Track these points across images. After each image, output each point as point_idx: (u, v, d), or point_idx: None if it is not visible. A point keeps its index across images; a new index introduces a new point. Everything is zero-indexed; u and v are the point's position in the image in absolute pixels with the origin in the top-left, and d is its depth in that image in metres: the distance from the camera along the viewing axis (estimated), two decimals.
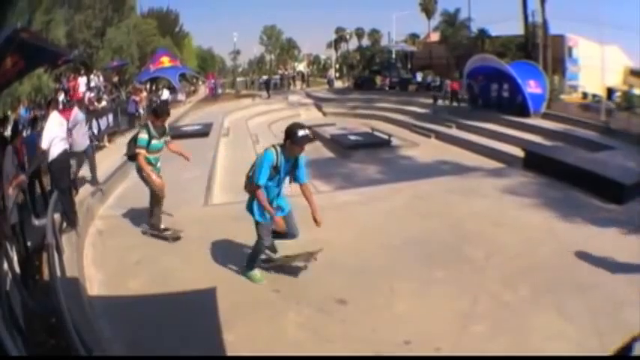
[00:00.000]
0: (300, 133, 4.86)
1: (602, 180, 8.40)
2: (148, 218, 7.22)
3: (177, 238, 6.91)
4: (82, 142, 8.90)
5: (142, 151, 6.67)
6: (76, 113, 8.74)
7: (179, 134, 18.44)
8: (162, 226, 7.08)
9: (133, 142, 6.85)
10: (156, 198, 7.01)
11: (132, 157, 6.96)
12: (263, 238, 5.37)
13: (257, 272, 5.63)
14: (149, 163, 6.80)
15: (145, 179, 6.86)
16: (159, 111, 6.94)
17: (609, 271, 5.42)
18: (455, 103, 23.62)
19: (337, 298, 4.99)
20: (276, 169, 5.05)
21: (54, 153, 6.71)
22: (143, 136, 6.65)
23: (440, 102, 24.34)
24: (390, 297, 5.05)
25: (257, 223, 5.37)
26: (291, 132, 4.93)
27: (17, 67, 5.16)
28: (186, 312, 4.85)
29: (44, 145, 6.68)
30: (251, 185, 5.24)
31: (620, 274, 5.32)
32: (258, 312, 4.86)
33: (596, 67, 22.43)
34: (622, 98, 18.85)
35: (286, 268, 5.74)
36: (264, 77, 41.14)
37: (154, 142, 6.78)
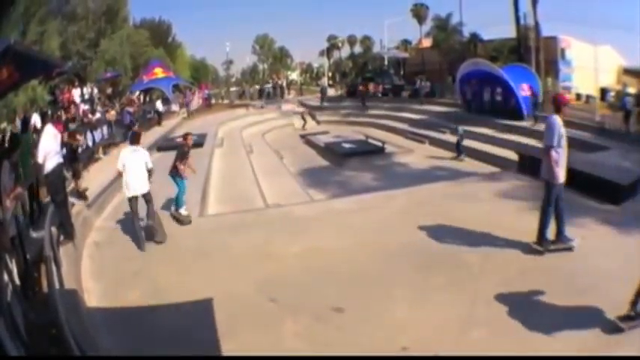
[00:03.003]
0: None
1: (598, 181, 8.40)
2: None
3: None
4: None
5: None
6: None
7: (174, 145, 18.47)
8: None
9: None
10: None
11: None
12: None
13: None
14: None
15: None
16: None
17: (607, 272, 5.44)
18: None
19: (334, 307, 4.98)
20: None
21: (49, 166, 6.54)
22: None
23: None
24: (387, 304, 5.05)
25: None
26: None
27: (12, 78, 5.16)
28: (184, 323, 4.84)
29: (39, 158, 6.50)
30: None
31: (618, 274, 5.33)
32: (255, 321, 4.86)
33: (589, 68, 22.54)
34: (616, 98, 18.93)
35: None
36: (257, 86, 41.38)
37: None
